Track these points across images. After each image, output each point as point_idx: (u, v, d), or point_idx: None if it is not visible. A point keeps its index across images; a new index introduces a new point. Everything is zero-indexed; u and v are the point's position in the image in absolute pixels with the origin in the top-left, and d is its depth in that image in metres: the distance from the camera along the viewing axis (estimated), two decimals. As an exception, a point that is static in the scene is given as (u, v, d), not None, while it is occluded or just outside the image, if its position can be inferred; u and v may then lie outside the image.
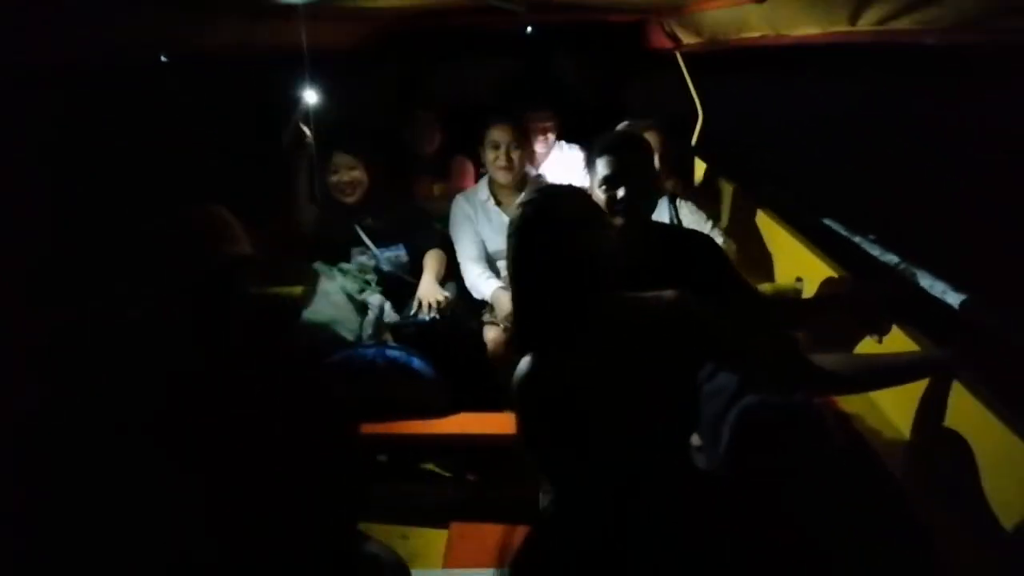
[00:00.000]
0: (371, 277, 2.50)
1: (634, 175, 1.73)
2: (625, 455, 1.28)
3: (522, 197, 1.33)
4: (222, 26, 1.97)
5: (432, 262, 2.56)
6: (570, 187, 1.39)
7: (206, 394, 1.32)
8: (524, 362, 1.32)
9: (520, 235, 1.26)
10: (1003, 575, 1.25)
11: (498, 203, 2.68)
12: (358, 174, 2.55)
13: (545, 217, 1.25)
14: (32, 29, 1.28)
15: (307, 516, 1.40)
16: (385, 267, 2.57)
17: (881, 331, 1.77)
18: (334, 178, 2.54)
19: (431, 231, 2.72)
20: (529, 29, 3.90)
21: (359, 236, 2.58)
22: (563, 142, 3.31)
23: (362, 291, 2.42)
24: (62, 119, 2.40)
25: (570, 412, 1.28)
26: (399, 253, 2.62)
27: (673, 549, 1.25)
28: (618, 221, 1.70)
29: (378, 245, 2.58)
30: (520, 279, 1.29)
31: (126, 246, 1.53)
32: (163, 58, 2.04)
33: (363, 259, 2.56)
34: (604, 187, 1.74)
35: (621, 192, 1.70)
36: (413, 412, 2.07)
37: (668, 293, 1.28)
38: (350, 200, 2.56)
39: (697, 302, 1.34)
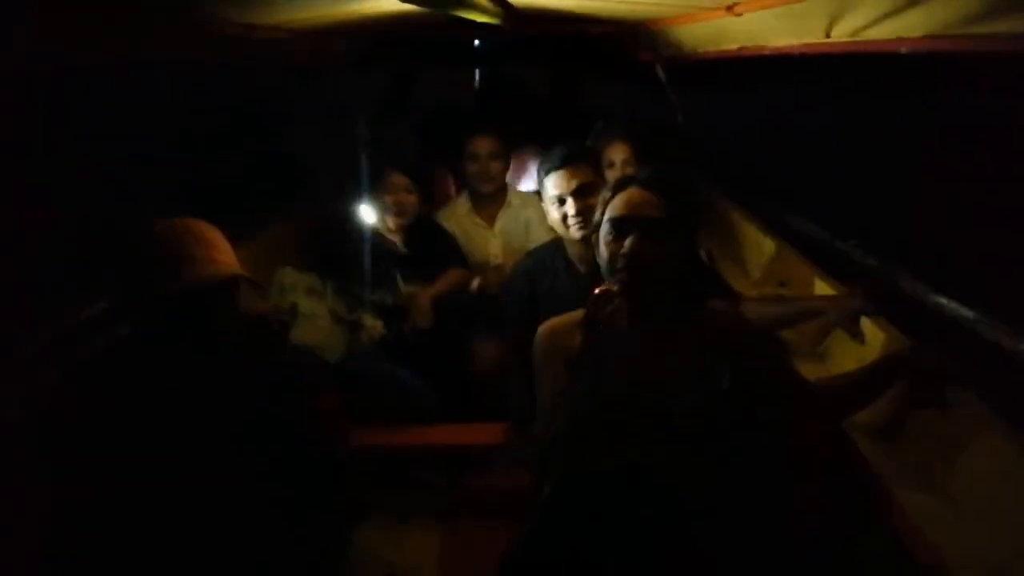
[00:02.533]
0: (366, 298, 2.36)
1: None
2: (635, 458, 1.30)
3: None
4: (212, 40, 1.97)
5: (444, 280, 2.43)
6: None
7: (191, 409, 1.31)
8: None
9: None
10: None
11: (479, 216, 2.69)
12: (413, 197, 2.43)
13: None
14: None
15: (299, 529, 1.40)
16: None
17: (862, 335, 1.80)
18: (389, 199, 2.40)
19: (459, 265, 2.56)
20: (477, 42, 3.95)
21: (385, 263, 2.39)
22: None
23: (353, 311, 2.33)
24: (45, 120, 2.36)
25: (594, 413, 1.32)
26: None
27: (666, 556, 1.26)
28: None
29: (406, 281, 2.40)
30: None
31: (105, 259, 1.49)
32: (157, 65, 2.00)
33: (384, 294, 2.37)
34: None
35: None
36: (400, 421, 2.06)
37: None
38: (403, 223, 2.43)
39: None
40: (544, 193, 1.97)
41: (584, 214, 1.85)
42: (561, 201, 1.90)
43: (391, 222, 2.44)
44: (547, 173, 1.93)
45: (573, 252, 1.99)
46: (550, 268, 2.02)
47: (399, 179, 2.42)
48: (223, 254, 1.38)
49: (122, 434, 1.26)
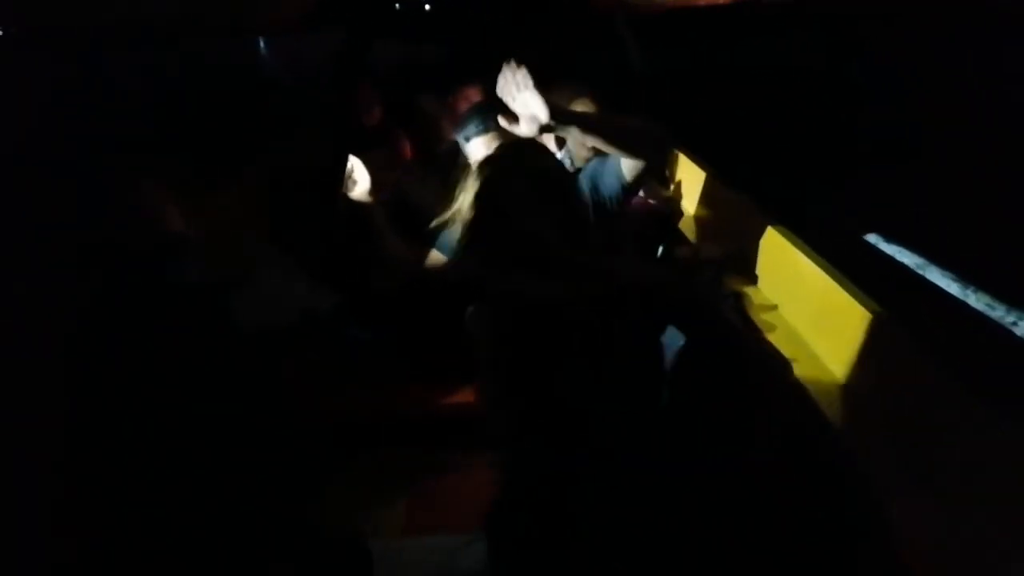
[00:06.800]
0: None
1: None
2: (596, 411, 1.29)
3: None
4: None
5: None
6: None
7: (131, 383, 1.24)
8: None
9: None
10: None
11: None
12: (393, 175, 2.30)
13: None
14: None
15: (258, 495, 1.40)
16: None
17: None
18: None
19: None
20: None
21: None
22: None
23: (311, 287, 2.07)
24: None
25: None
26: None
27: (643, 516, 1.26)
28: None
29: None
30: None
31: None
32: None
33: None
34: None
35: None
36: (366, 386, 2.06)
37: None
38: (383, 198, 2.19)
39: None
40: (468, 157, 1.99)
41: None
42: None
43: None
44: (467, 141, 1.97)
45: None
46: None
47: (378, 155, 2.28)
48: (162, 218, 1.33)
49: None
